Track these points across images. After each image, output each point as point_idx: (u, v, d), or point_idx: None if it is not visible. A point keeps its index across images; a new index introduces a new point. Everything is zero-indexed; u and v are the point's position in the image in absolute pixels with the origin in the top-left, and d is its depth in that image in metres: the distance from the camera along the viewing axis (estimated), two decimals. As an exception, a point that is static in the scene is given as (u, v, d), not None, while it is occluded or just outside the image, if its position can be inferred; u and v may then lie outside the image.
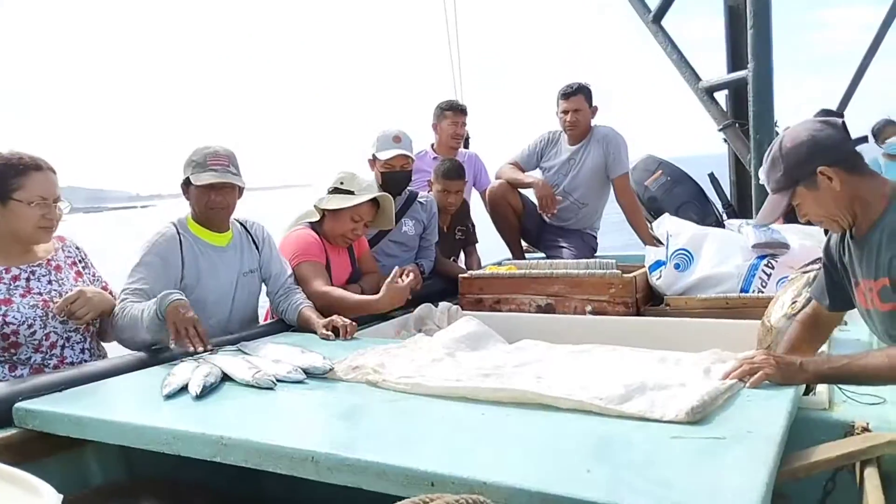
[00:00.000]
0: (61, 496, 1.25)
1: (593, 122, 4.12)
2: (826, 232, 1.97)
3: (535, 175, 4.25)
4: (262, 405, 1.72)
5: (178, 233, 2.48)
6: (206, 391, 1.77)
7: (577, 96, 4.02)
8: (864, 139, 1.72)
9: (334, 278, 2.90)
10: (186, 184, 2.51)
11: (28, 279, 2.19)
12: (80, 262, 2.39)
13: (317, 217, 3.03)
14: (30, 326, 2.14)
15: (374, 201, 3.02)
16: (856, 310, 1.89)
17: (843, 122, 1.78)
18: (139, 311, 2.22)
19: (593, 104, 4.09)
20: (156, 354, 2.19)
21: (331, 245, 2.99)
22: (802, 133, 1.78)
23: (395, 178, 3.43)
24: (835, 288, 1.93)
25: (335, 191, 2.98)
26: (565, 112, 4.05)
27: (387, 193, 3.11)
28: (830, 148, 1.75)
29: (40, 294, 2.19)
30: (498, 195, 4.17)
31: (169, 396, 1.77)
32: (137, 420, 1.66)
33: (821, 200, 1.77)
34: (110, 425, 1.66)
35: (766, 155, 1.86)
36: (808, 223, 1.94)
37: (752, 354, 1.70)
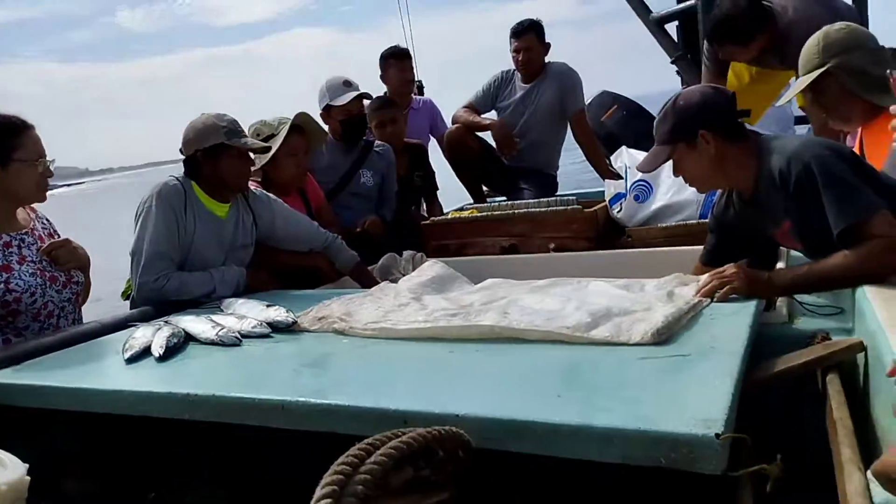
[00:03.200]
0: (26, 465, 1.22)
1: (547, 59, 4.07)
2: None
3: (492, 116, 4.21)
4: (228, 361, 1.69)
5: (184, 190, 2.42)
6: (170, 352, 1.74)
7: (529, 34, 3.96)
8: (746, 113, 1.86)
9: None
10: (212, 151, 2.42)
11: (20, 247, 2.15)
12: (54, 233, 2.34)
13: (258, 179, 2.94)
14: (32, 295, 2.10)
15: (296, 128, 2.92)
16: None
17: (734, 95, 1.92)
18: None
19: (546, 41, 4.03)
20: (117, 324, 2.14)
21: (283, 197, 2.93)
22: (696, 95, 1.91)
23: (354, 124, 3.37)
24: (718, 250, 2.06)
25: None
26: (517, 51, 3.99)
27: (302, 111, 2.98)
28: (716, 114, 1.87)
29: (34, 262, 2.15)
30: (456, 139, 4.12)
31: (131, 360, 1.73)
32: (100, 385, 1.62)
33: (696, 160, 1.90)
34: (71, 393, 1.62)
35: (661, 107, 1.99)
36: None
37: (722, 269, 1.75)
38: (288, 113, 2.95)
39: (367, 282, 2.67)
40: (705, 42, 3.40)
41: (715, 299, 1.65)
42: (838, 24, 2.17)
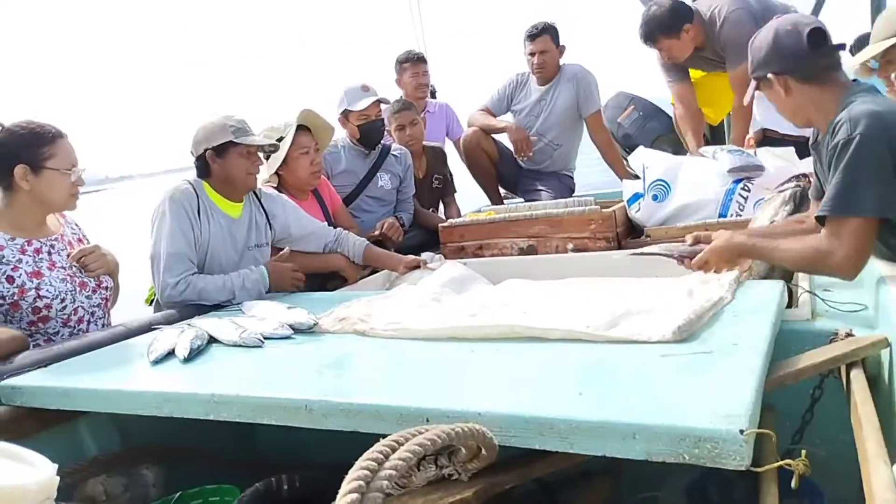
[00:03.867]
0: (55, 465, 1.24)
1: (562, 62, 4.07)
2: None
3: (508, 119, 4.21)
4: (251, 362, 1.71)
5: (196, 193, 2.45)
6: (194, 354, 1.76)
7: (543, 37, 3.96)
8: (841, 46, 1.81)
9: None
10: (221, 150, 2.45)
11: (49, 253, 2.18)
12: (83, 238, 2.37)
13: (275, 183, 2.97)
14: (62, 301, 2.13)
15: (302, 127, 2.95)
16: None
17: (819, 29, 1.78)
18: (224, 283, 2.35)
19: (560, 43, 4.03)
20: (142, 327, 2.17)
21: (299, 200, 2.95)
22: (770, 34, 1.83)
23: (372, 128, 3.39)
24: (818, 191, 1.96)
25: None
26: (532, 54, 3.99)
27: (306, 108, 2.99)
28: (787, 57, 1.79)
29: (64, 268, 2.18)
30: (472, 142, 4.13)
31: (156, 362, 1.75)
32: (126, 387, 1.64)
33: (775, 98, 1.87)
34: (99, 394, 1.65)
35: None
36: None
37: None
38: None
39: (383, 261, 2.73)
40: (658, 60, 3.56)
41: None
42: None
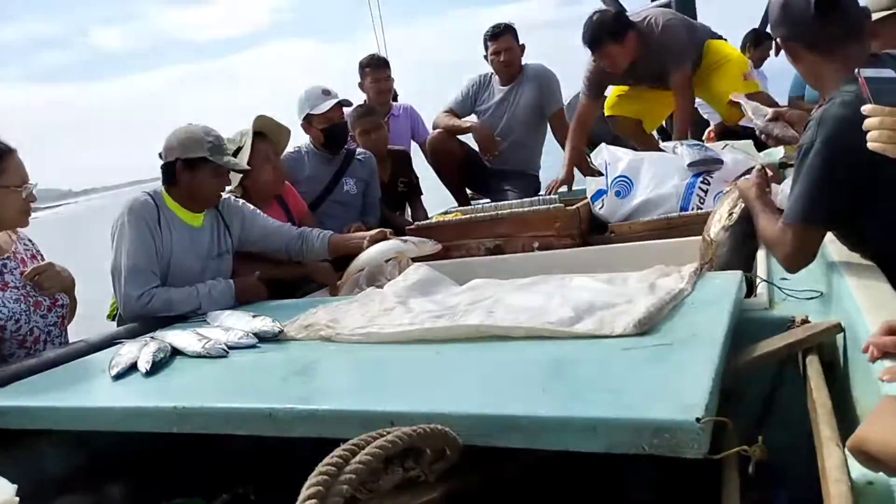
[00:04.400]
0: (15, 486, 1.22)
1: (523, 61, 4.10)
2: None
3: (472, 120, 4.23)
4: (215, 373, 1.69)
5: (156, 204, 2.41)
6: (156, 367, 1.73)
7: (505, 35, 3.99)
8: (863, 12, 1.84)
9: None
10: (193, 163, 2.41)
11: (1, 272, 2.13)
12: (37, 254, 2.32)
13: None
14: (16, 321, 2.08)
15: (258, 134, 2.91)
16: None
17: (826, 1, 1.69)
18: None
19: (521, 42, 4.06)
20: (103, 342, 2.14)
21: (264, 208, 2.92)
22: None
23: (337, 131, 3.37)
24: None
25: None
26: (496, 53, 4.02)
27: (259, 115, 2.95)
28: (794, 23, 1.72)
29: (17, 288, 2.12)
30: (438, 144, 4.14)
31: (118, 377, 1.72)
32: (88, 403, 1.62)
33: (793, 64, 1.81)
34: (59, 412, 1.62)
35: None
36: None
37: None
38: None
39: (350, 245, 2.69)
40: (586, 68, 3.63)
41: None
42: None
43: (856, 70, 1.25)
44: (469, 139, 4.21)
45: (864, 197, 1.61)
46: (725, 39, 3.80)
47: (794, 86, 5.58)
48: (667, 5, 4.76)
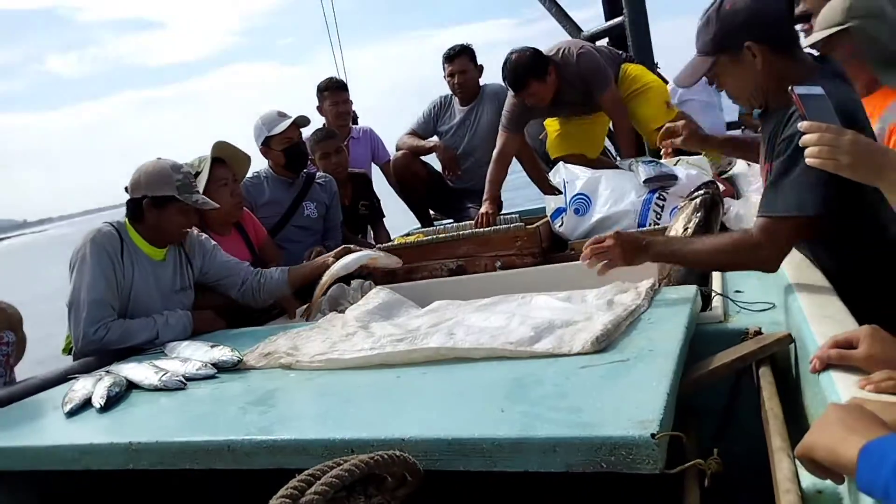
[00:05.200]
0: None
1: (482, 81, 4.14)
2: None
3: (435, 140, 4.25)
4: (172, 406, 1.66)
5: (119, 236, 2.36)
6: (112, 402, 1.70)
7: (461, 57, 4.04)
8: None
9: None
10: (161, 201, 2.37)
11: None
12: None
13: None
14: None
15: (217, 160, 2.86)
16: None
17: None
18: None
19: (478, 63, 4.11)
20: (57, 378, 2.08)
21: (220, 236, 2.89)
22: (745, 0, 1.67)
23: (297, 151, 3.35)
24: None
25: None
26: (451, 75, 4.06)
27: (219, 141, 2.91)
28: (767, 24, 1.65)
29: None
30: (402, 166, 4.15)
31: (71, 413, 1.68)
32: (40, 442, 1.57)
33: (740, 75, 1.71)
34: (10, 452, 1.57)
35: (704, 10, 1.75)
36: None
37: (602, 237, 1.75)
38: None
39: (309, 271, 2.65)
40: (507, 103, 3.64)
41: (598, 270, 1.67)
42: None
43: (789, 87, 1.29)
44: (432, 160, 4.24)
45: (852, 189, 1.51)
46: (637, 63, 3.91)
47: None
48: (619, 27, 4.86)
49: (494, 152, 3.67)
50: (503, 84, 4.15)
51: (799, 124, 1.25)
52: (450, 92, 4.21)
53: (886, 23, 2.08)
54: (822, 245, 1.77)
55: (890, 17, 2.10)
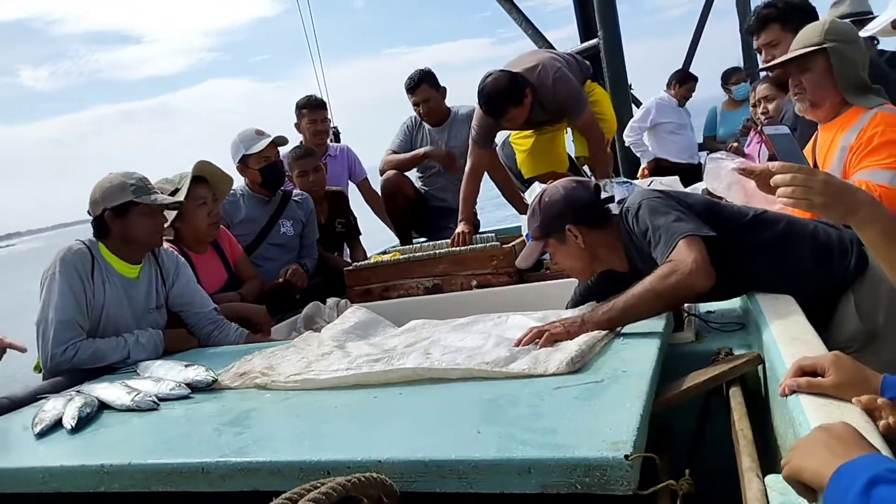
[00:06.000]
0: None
1: (451, 104, 4.15)
2: None
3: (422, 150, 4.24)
4: (145, 427, 1.64)
5: (91, 254, 2.34)
6: (83, 423, 1.67)
7: (421, 87, 4.04)
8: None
9: (207, 285, 2.76)
10: (121, 210, 2.35)
11: None
12: None
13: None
14: None
15: (198, 178, 2.85)
16: None
17: (596, 185, 2.06)
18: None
19: (440, 86, 4.11)
20: (26, 398, 2.04)
21: (196, 254, 2.87)
22: (559, 191, 2.00)
23: (274, 169, 3.34)
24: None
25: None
26: (417, 104, 4.08)
27: (202, 160, 2.90)
28: (579, 208, 1.96)
29: None
30: (394, 186, 4.16)
31: (41, 434, 1.65)
32: (8, 464, 1.54)
33: (568, 252, 1.99)
34: (-24, 475, 1.54)
35: (530, 205, 2.09)
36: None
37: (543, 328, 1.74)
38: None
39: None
40: (476, 118, 3.60)
41: (538, 348, 1.64)
42: (843, 18, 2.32)
43: (759, 128, 1.32)
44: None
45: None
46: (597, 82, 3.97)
47: (707, 125, 5.88)
48: (594, 49, 4.95)
49: (466, 168, 3.67)
50: (476, 107, 4.16)
51: (770, 164, 1.28)
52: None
53: (861, 50, 2.19)
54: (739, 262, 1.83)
55: (863, 46, 2.22)
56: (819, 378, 1.10)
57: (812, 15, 2.73)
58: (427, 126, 4.18)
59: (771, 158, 1.30)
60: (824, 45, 2.13)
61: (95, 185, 2.43)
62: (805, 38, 2.20)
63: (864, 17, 2.99)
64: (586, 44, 5.28)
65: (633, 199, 1.88)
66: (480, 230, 3.96)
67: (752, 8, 6.60)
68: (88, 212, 2.43)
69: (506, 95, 3.36)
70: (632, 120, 5.65)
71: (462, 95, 4.20)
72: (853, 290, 1.71)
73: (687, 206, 1.81)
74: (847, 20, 2.56)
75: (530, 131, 3.89)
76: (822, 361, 1.12)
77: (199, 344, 2.53)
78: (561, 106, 3.52)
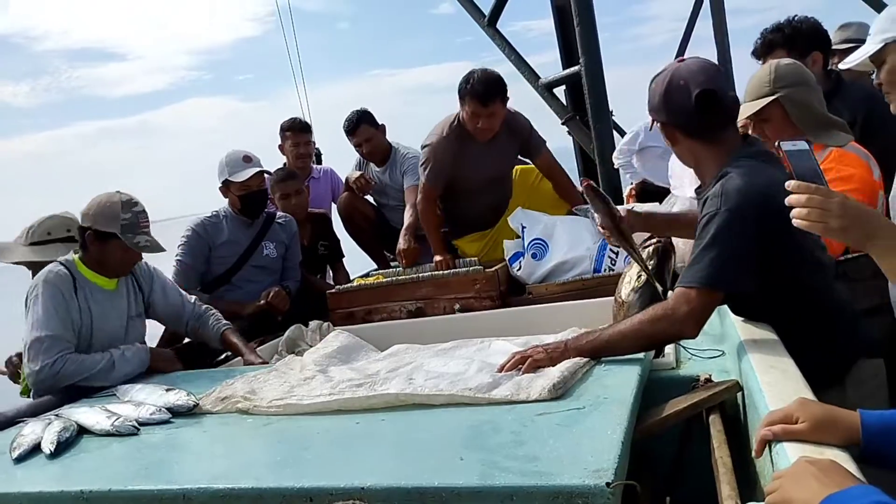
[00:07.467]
0: None
1: (393, 141, 4.13)
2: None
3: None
4: (125, 452, 1.63)
5: (70, 274, 2.38)
6: (62, 447, 1.65)
7: (360, 127, 4.03)
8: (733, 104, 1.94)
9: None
10: (104, 236, 2.39)
11: None
12: None
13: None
14: None
15: None
16: None
17: (708, 91, 1.72)
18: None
19: (379, 124, 4.09)
20: (4, 421, 2.02)
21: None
22: (663, 83, 1.77)
23: (254, 199, 3.34)
24: None
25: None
26: (358, 145, 4.07)
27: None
28: (674, 111, 1.77)
29: None
30: (348, 205, 4.11)
31: (19, 459, 1.63)
32: (-17, 490, 1.52)
33: (669, 141, 1.85)
34: (-49, 502, 1.51)
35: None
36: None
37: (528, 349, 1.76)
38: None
39: (236, 350, 2.64)
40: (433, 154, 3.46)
41: (521, 373, 1.65)
42: (786, 60, 2.30)
43: (776, 143, 1.30)
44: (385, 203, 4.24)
45: (768, 266, 1.64)
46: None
47: None
48: (576, 75, 5.01)
49: (419, 204, 3.51)
50: (412, 150, 4.07)
51: (787, 183, 1.22)
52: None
53: (812, 88, 2.20)
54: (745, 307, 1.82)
55: (813, 83, 2.22)
56: (794, 426, 1.07)
57: (823, 38, 2.73)
58: (372, 165, 4.18)
59: (789, 177, 1.25)
60: (776, 95, 2.14)
61: (96, 197, 2.47)
62: (755, 90, 2.21)
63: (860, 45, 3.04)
64: (568, 70, 5.35)
65: (733, 189, 1.62)
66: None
67: (729, 38, 6.77)
68: (79, 219, 2.48)
69: (498, 85, 3.32)
70: (621, 142, 5.70)
71: (445, 114, 4.11)
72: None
73: (753, 241, 1.61)
74: (848, 44, 2.61)
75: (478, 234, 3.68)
76: (791, 409, 1.09)
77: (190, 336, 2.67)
78: (524, 132, 3.48)
